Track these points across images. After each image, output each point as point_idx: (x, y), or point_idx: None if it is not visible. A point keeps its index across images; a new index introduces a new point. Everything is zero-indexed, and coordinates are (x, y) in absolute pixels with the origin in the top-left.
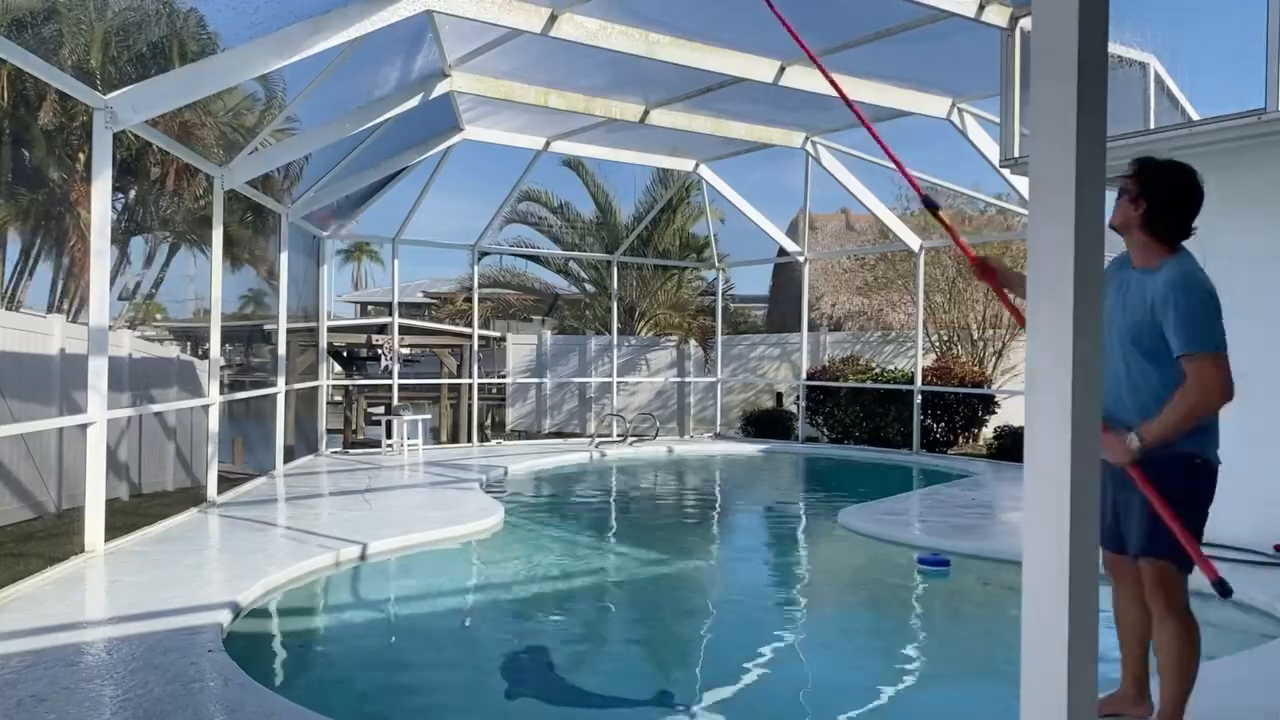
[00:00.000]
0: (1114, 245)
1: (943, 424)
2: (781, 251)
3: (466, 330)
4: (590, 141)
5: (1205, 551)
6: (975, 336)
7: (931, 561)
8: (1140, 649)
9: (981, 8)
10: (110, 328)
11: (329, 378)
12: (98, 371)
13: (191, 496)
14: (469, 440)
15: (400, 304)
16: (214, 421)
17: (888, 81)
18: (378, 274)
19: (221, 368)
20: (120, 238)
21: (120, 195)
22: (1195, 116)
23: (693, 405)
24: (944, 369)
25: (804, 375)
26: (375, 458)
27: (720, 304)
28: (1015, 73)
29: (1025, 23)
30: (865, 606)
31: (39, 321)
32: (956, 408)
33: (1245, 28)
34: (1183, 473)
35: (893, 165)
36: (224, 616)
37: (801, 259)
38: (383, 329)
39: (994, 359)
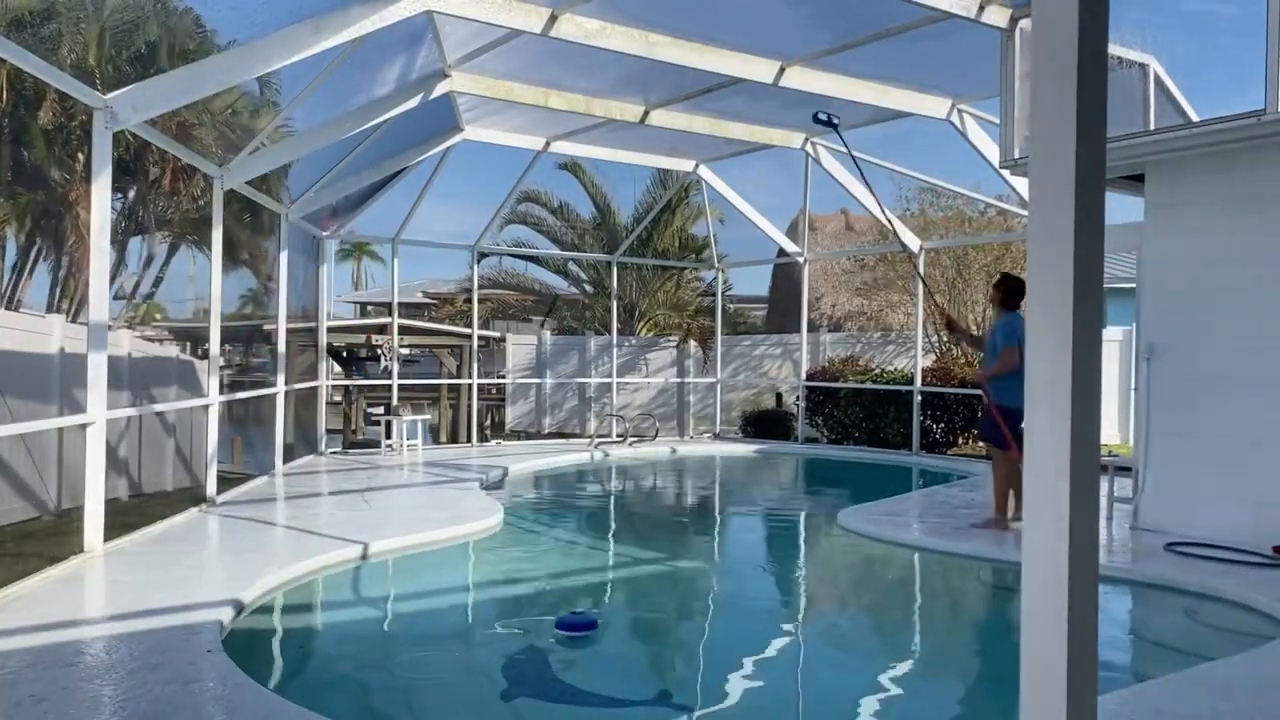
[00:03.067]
0: (1113, 246)
1: (942, 425)
2: (781, 252)
3: (466, 330)
4: (590, 142)
5: (1204, 553)
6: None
7: (571, 625)
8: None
9: (981, 8)
10: (110, 327)
11: (328, 378)
12: (97, 368)
13: (191, 496)
14: (468, 440)
15: (400, 304)
16: (214, 421)
17: (888, 82)
18: (378, 274)
19: (221, 368)
20: (119, 238)
21: (119, 195)
22: (1195, 117)
23: (693, 404)
24: (944, 370)
25: (804, 376)
26: (375, 458)
27: (720, 304)
28: (1015, 73)
29: (1025, 23)
30: (864, 606)
31: (39, 321)
32: (956, 408)
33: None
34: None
35: (893, 168)
36: (224, 616)
37: (801, 260)
38: (382, 329)
39: None
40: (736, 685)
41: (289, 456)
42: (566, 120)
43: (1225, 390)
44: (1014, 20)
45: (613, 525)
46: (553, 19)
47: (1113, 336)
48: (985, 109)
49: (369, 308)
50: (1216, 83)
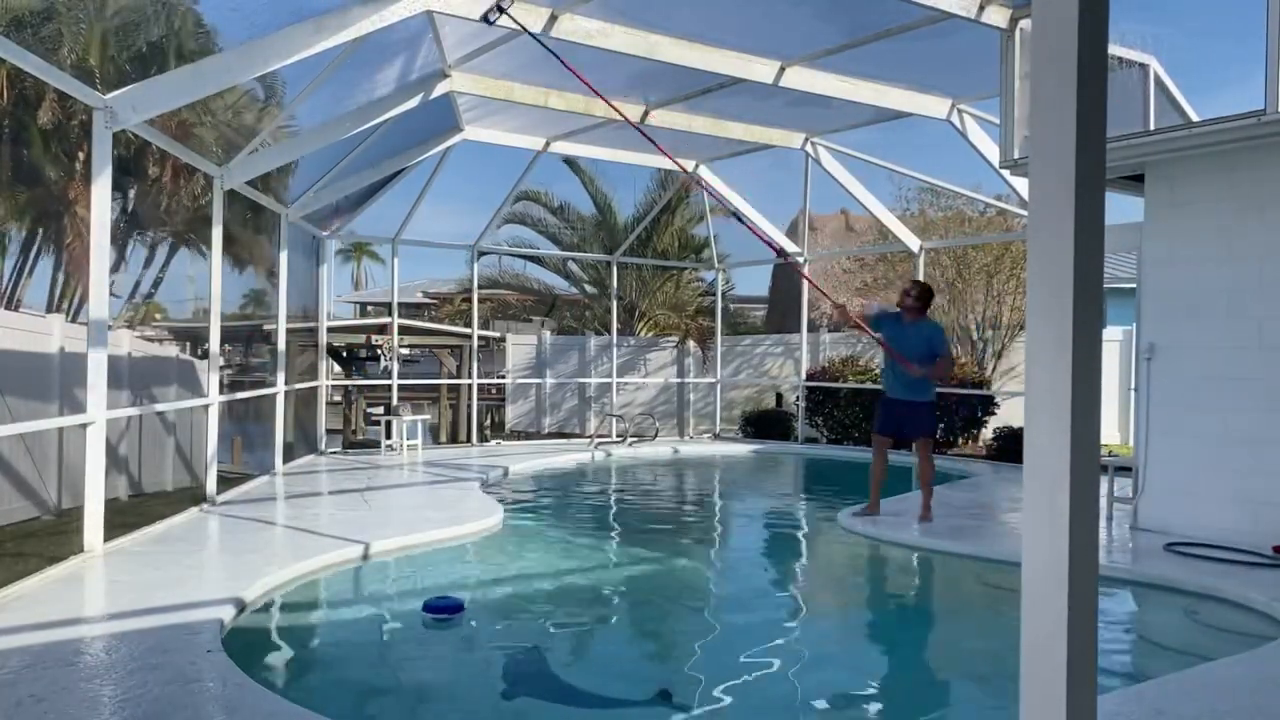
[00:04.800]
0: (1113, 246)
1: (942, 425)
2: (781, 252)
3: (466, 330)
4: (590, 142)
5: (1203, 553)
6: (975, 337)
7: (438, 608)
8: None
9: (981, 8)
10: (110, 327)
11: (328, 378)
12: (97, 367)
13: (191, 495)
14: (468, 440)
15: (400, 304)
16: (214, 421)
17: (888, 82)
18: (378, 274)
19: (221, 367)
20: (118, 239)
21: (119, 194)
22: (1195, 117)
23: (693, 403)
24: None
25: (804, 376)
26: (375, 458)
27: (720, 304)
28: (1015, 73)
29: (1025, 23)
30: (863, 605)
31: (38, 321)
32: (956, 409)
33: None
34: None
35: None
36: (224, 616)
37: (801, 260)
38: (382, 329)
39: (994, 360)
40: (734, 684)
41: (289, 456)
42: (566, 120)
43: (1225, 390)
44: (1014, 20)
45: (613, 525)
46: (553, 19)
47: (1113, 336)
48: (985, 109)
49: (369, 308)
50: None
